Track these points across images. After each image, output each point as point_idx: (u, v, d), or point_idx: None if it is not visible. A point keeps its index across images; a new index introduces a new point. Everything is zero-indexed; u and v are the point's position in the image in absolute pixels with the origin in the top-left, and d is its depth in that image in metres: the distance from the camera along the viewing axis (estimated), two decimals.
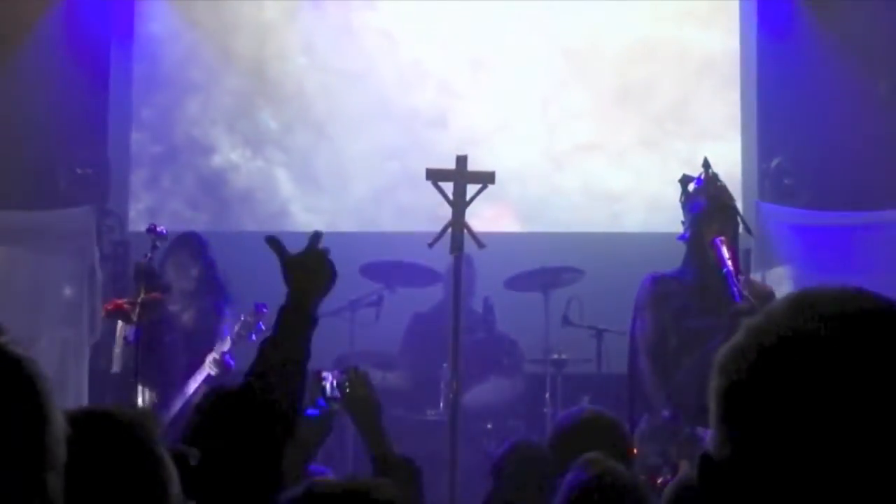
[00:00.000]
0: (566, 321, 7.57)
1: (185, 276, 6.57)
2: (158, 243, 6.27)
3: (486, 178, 5.74)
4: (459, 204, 5.67)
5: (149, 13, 9.22)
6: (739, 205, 5.69)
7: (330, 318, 7.22)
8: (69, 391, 7.32)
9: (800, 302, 1.22)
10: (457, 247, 5.67)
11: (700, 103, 8.90)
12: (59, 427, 1.34)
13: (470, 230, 5.68)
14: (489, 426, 7.50)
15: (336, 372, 3.62)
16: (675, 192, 5.45)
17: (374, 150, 8.98)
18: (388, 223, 8.88)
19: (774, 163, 8.53)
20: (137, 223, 8.78)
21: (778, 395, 1.17)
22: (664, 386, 5.11)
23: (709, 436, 1.25)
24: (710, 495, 1.22)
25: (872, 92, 8.52)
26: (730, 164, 8.11)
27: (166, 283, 6.38)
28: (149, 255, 6.26)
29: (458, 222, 5.65)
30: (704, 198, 5.26)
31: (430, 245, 5.78)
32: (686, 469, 4.54)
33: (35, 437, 1.31)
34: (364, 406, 3.55)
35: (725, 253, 5.06)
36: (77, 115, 8.85)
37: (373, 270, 7.84)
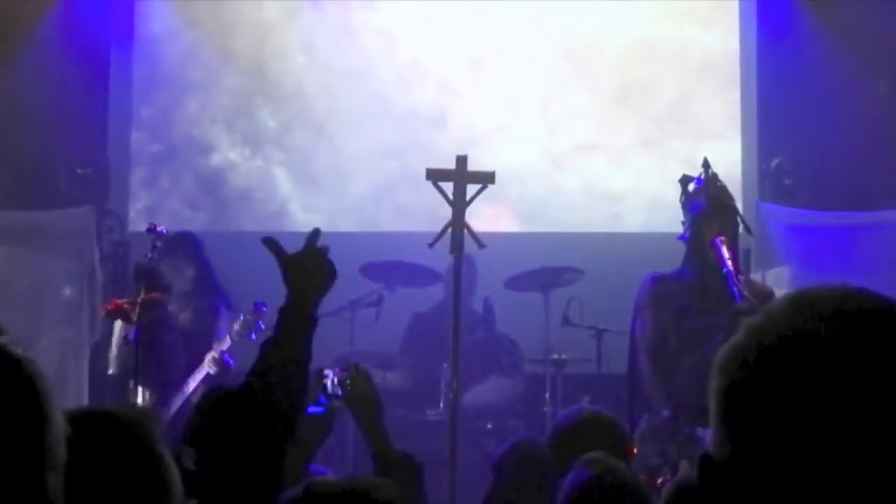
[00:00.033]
0: (566, 321, 7.57)
1: (180, 276, 6.57)
2: (158, 243, 6.27)
3: (487, 178, 5.74)
4: (459, 204, 5.67)
5: (149, 13, 9.22)
6: (739, 205, 5.68)
7: (330, 318, 7.22)
8: (69, 391, 7.32)
9: (799, 301, 1.22)
10: (457, 247, 5.67)
11: (700, 103, 8.90)
12: (59, 427, 1.34)
13: (470, 230, 5.68)
14: (489, 426, 7.50)
15: (337, 369, 3.62)
16: (675, 192, 5.45)
17: (374, 150, 8.98)
18: (388, 223, 8.88)
19: (774, 163, 8.53)
20: (136, 223, 8.79)
21: (778, 394, 1.17)
22: (664, 386, 5.11)
23: (709, 436, 1.25)
24: (710, 495, 1.22)
25: (872, 92, 8.52)
26: (730, 164, 8.11)
27: (166, 283, 6.38)
28: (149, 255, 6.26)
29: (458, 222, 5.65)
30: (704, 198, 5.25)
31: (431, 245, 5.77)
32: (686, 469, 4.54)
33: (35, 438, 1.31)
34: (365, 403, 3.55)
35: (725, 253, 5.06)
36: (77, 115, 8.85)
37: (373, 270, 7.84)
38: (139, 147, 9.13)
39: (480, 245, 5.80)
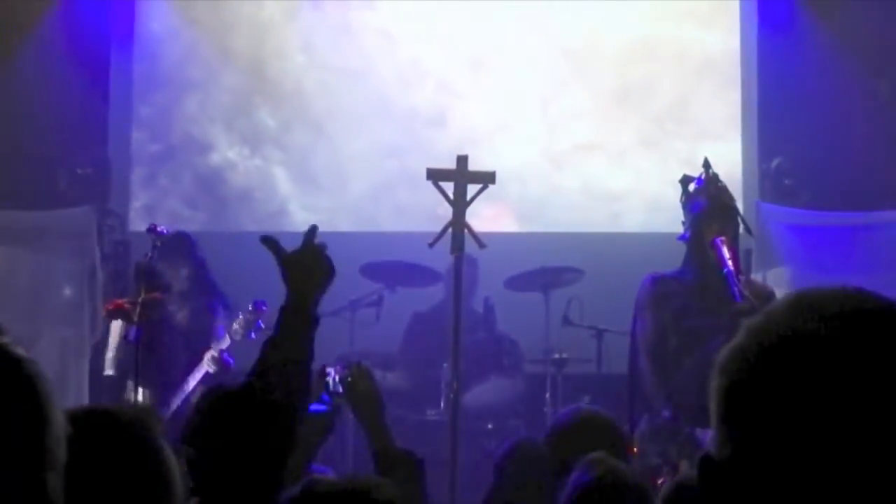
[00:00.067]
0: (566, 321, 7.57)
1: (176, 276, 6.56)
2: (159, 243, 6.27)
3: (487, 178, 5.74)
4: (460, 204, 5.67)
5: (148, 12, 9.21)
6: (740, 205, 5.68)
7: (330, 318, 7.22)
8: (69, 391, 7.31)
9: (800, 302, 1.22)
10: (457, 247, 5.67)
11: (700, 103, 8.90)
12: (60, 427, 1.33)
13: (471, 230, 5.68)
14: (489, 426, 7.50)
15: (339, 367, 3.62)
16: (675, 192, 5.44)
17: (373, 149, 8.98)
18: (387, 222, 8.87)
19: (775, 163, 8.53)
20: (135, 222, 8.79)
21: (778, 394, 1.17)
22: (664, 386, 5.11)
23: (709, 436, 1.25)
24: (710, 496, 1.22)
25: (873, 92, 8.52)
26: (730, 165, 8.11)
27: (167, 283, 6.38)
28: (149, 254, 6.26)
29: (458, 222, 5.65)
30: (705, 198, 5.25)
31: (431, 245, 5.78)
32: (686, 469, 4.54)
33: (35, 437, 1.31)
34: (366, 400, 3.55)
35: (726, 253, 5.06)
36: (77, 115, 8.85)
37: (373, 270, 7.84)
38: (138, 146, 9.12)
39: (481, 245, 5.81)
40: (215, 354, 6.31)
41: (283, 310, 3.00)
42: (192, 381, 6.33)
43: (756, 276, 6.75)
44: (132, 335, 6.18)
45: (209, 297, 6.57)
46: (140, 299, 6.11)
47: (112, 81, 9.07)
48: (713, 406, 1.23)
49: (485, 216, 7.30)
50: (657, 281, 5.27)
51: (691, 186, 5.34)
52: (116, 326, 6.61)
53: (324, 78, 9.05)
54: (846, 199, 8.13)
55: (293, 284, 3.01)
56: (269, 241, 3.07)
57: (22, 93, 8.70)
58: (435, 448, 5.65)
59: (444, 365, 7.08)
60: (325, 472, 3.48)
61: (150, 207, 9.01)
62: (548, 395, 7.52)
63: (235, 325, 6.26)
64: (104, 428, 1.88)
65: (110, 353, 6.63)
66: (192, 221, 8.78)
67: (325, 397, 3.51)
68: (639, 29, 8.95)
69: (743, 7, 8.97)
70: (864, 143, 8.39)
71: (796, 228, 7.94)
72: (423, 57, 9.05)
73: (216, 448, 2.76)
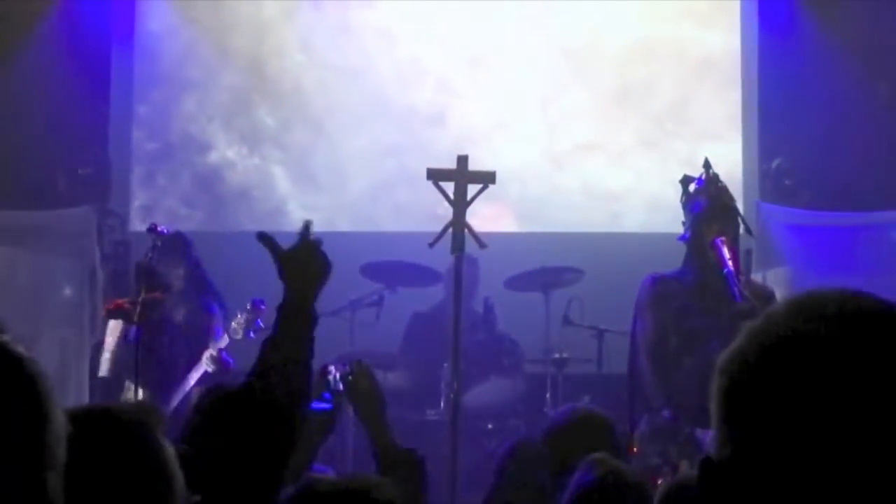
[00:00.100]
0: (567, 321, 7.58)
1: (173, 276, 6.55)
2: (159, 243, 6.27)
3: (487, 178, 5.74)
4: (460, 204, 5.67)
5: (148, 11, 9.21)
6: (740, 205, 5.68)
7: (330, 318, 7.23)
8: (69, 391, 7.31)
9: (799, 304, 1.22)
10: (458, 247, 5.67)
11: (700, 103, 8.90)
12: (60, 426, 1.33)
13: (471, 230, 5.67)
14: (490, 426, 7.50)
15: (340, 365, 3.62)
16: (675, 192, 5.44)
17: (372, 148, 8.97)
18: (386, 221, 8.87)
19: (775, 163, 8.53)
20: (134, 221, 8.80)
21: (778, 395, 1.17)
22: (664, 386, 5.11)
23: (709, 436, 1.25)
24: (710, 496, 1.22)
25: (873, 92, 8.52)
26: (730, 165, 8.10)
27: (167, 283, 6.38)
28: (150, 254, 6.26)
29: (459, 222, 5.65)
30: (705, 198, 5.25)
31: (431, 245, 5.78)
32: (686, 469, 4.54)
33: (35, 436, 1.31)
34: (367, 398, 3.54)
35: (726, 253, 5.06)
36: (78, 115, 8.85)
37: (373, 270, 7.84)
38: (136, 145, 9.11)
39: (481, 245, 5.80)
40: (214, 353, 6.30)
41: (281, 308, 2.99)
42: (191, 381, 6.33)
43: (756, 277, 6.73)
44: (132, 335, 6.17)
45: (205, 296, 6.56)
46: (140, 299, 6.11)
47: (113, 81, 9.06)
48: (714, 407, 1.23)
49: (484, 216, 7.29)
50: (657, 281, 5.27)
51: (692, 187, 5.34)
52: (113, 328, 6.59)
53: (323, 77, 9.05)
54: (846, 199, 8.13)
55: (291, 282, 3.00)
56: (266, 238, 3.06)
57: (22, 93, 8.69)
58: (435, 448, 5.65)
59: (445, 365, 7.08)
60: (325, 472, 3.48)
61: (148, 206, 9.00)
62: (548, 395, 7.52)
63: (234, 325, 6.26)
64: (104, 426, 1.88)
65: (106, 355, 6.60)
66: (191, 220, 8.78)
67: (327, 395, 3.51)
68: (639, 29, 8.95)
69: (743, 7, 8.96)
70: (865, 143, 8.39)
71: (796, 228, 7.94)
72: (423, 56, 9.05)
73: (216, 448, 2.76)
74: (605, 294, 7.35)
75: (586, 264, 7.80)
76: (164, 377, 6.39)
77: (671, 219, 5.92)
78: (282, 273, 3.01)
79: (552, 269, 7.77)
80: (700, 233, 5.19)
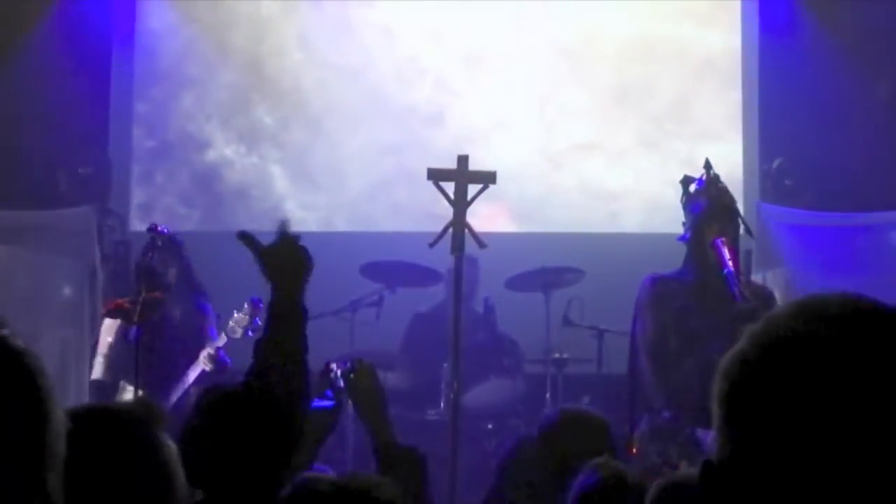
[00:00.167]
0: (567, 321, 7.57)
1: (170, 276, 6.53)
2: (159, 242, 6.27)
3: (488, 178, 5.74)
4: (460, 204, 5.67)
5: (147, 9, 9.21)
6: (740, 205, 5.68)
7: (330, 318, 7.24)
8: (70, 391, 7.30)
9: (801, 306, 1.23)
10: (458, 247, 5.66)
11: (700, 103, 8.89)
12: (60, 423, 1.33)
13: (471, 230, 5.67)
14: (489, 426, 7.50)
15: (341, 362, 3.62)
16: (675, 192, 5.45)
17: (371, 147, 8.96)
18: (384, 220, 8.86)
19: (775, 163, 8.53)
20: (132, 220, 8.80)
21: (778, 395, 1.17)
22: (664, 386, 5.11)
23: (710, 437, 1.25)
24: (710, 497, 1.22)
25: (873, 92, 8.52)
26: (731, 165, 8.11)
27: (167, 283, 6.37)
28: (150, 254, 6.26)
29: (459, 222, 5.65)
30: (705, 199, 5.25)
31: (432, 245, 5.77)
32: (685, 469, 4.53)
33: (35, 433, 1.30)
34: (368, 396, 3.54)
35: (726, 253, 5.05)
36: (78, 115, 8.84)
37: (373, 270, 7.84)
38: (135, 143, 9.11)
39: (481, 245, 5.80)
40: (211, 352, 6.30)
41: (270, 306, 2.99)
42: (189, 380, 6.32)
43: (756, 277, 6.75)
44: (132, 335, 6.17)
45: (197, 296, 6.55)
46: (140, 299, 6.11)
47: (113, 81, 9.06)
48: (715, 408, 1.23)
49: (482, 215, 7.28)
50: (657, 281, 5.27)
51: (692, 187, 5.34)
52: (107, 329, 6.56)
53: (322, 75, 9.04)
54: (847, 199, 8.13)
55: (275, 279, 2.99)
56: (246, 237, 3.05)
57: (22, 93, 8.69)
58: (435, 448, 5.65)
59: (445, 365, 7.08)
60: (325, 472, 3.48)
61: (146, 205, 9.00)
62: (548, 396, 7.52)
63: (232, 323, 6.26)
64: (105, 424, 1.88)
65: (99, 358, 6.55)
66: (189, 219, 8.78)
67: (329, 393, 3.51)
68: (638, 28, 8.94)
69: (744, 7, 8.96)
70: (865, 143, 8.39)
71: (797, 228, 7.93)
72: (422, 55, 9.04)
73: (217, 448, 2.76)
74: (604, 294, 7.35)
75: (586, 264, 7.80)
76: (162, 377, 6.39)
77: (671, 219, 5.92)
78: (265, 271, 3.00)
79: (552, 269, 7.76)
80: (700, 233, 5.19)
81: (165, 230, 6.33)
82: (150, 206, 8.96)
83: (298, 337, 2.95)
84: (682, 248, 5.30)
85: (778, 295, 5.55)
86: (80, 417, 1.51)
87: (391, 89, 8.99)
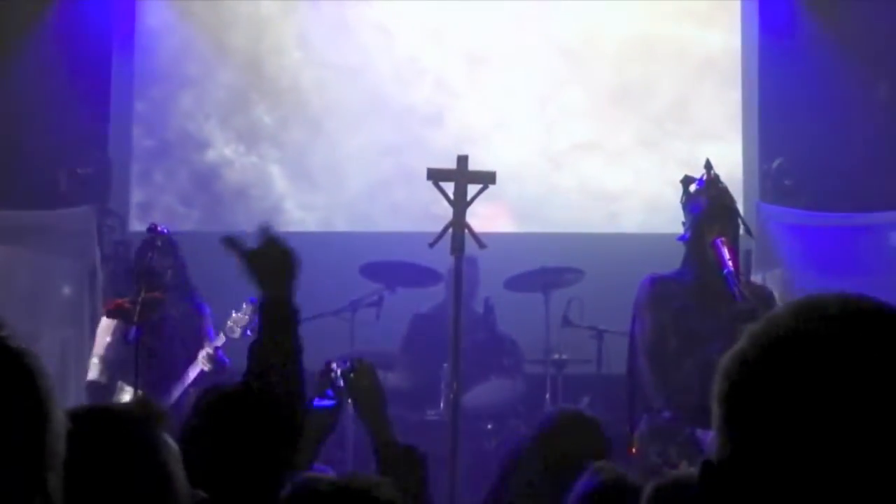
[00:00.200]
0: (567, 321, 7.57)
1: (168, 276, 6.53)
2: (159, 242, 6.27)
3: (488, 178, 5.74)
4: (460, 204, 5.67)
5: (146, 8, 9.21)
6: (740, 206, 5.68)
7: (330, 318, 7.24)
8: (70, 391, 7.30)
9: (801, 306, 1.23)
10: (458, 247, 5.66)
11: (700, 103, 8.89)
12: (60, 423, 1.33)
13: (471, 230, 5.67)
14: (489, 426, 7.50)
15: (341, 362, 3.62)
16: (675, 192, 5.45)
17: (370, 147, 8.96)
18: (383, 220, 8.86)
19: (775, 163, 8.53)
20: (131, 220, 8.79)
21: (779, 395, 1.17)
22: (664, 387, 5.11)
23: (709, 437, 1.25)
24: (710, 497, 1.22)
25: (873, 93, 8.52)
26: (731, 165, 8.11)
27: (167, 283, 6.37)
28: (150, 254, 6.26)
29: (459, 222, 5.65)
30: (705, 199, 5.25)
31: (432, 245, 5.77)
32: (685, 469, 4.53)
33: (35, 433, 1.30)
34: (368, 395, 3.54)
35: (726, 254, 5.05)
36: (78, 115, 8.84)
37: (373, 270, 7.84)
38: (134, 142, 9.11)
39: (481, 245, 5.80)
40: (210, 352, 6.30)
41: (261, 307, 2.99)
42: (188, 380, 6.33)
43: (756, 277, 6.75)
44: (132, 335, 6.17)
45: (192, 297, 6.55)
46: (140, 299, 6.11)
47: (113, 81, 9.06)
48: (715, 408, 1.23)
49: (482, 215, 7.28)
50: (656, 281, 5.27)
51: (692, 187, 5.34)
52: (103, 331, 6.55)
53: (321, 75, 9.04)
54: (846, 199, 8.13)
55: (264, 280, 2.99)
56: (229, 241, 3.05)
57: (22, 93, 8.70)
58: (435, 448, 5.65)
59: (445, 365, 7.07)
60: (325, 472, 3.48)
61: (144, 205, 9.00)
62: (548, 396, 7.52)
63: (230, 323, 6.26)
64: (105, 424, 1.87)
65: (94, 360, 6.54)
66: (188, 219, 8.77)
67: (330, 392, 3.51)
68: (638, 28, 8.94)
69: (743, 7, 8.96)
70: (865, 143, 8.40)
71: (796, 229, 7.93)
72: (421, 54, 9.04)
73: (217, 449, 2.76)
74: (604, 294, 7.35)
75: (585, 264, 7.80)
76: (162, 377, 6.39)
77: (670, 219, 5.92)
78: (252, 274, 3.00)
79: (552, 269, 7.76)
80: (700, 233, 5.19)
81: (165, 230, 6.33)
82: (150, 205, 8.96)
83: (290, 337, 2.95)
84: (682, 248, 5.30)
85: (777, 295, 5.55)
86: (80, 418, 1.51)
87: (391, 89, 8.98)
